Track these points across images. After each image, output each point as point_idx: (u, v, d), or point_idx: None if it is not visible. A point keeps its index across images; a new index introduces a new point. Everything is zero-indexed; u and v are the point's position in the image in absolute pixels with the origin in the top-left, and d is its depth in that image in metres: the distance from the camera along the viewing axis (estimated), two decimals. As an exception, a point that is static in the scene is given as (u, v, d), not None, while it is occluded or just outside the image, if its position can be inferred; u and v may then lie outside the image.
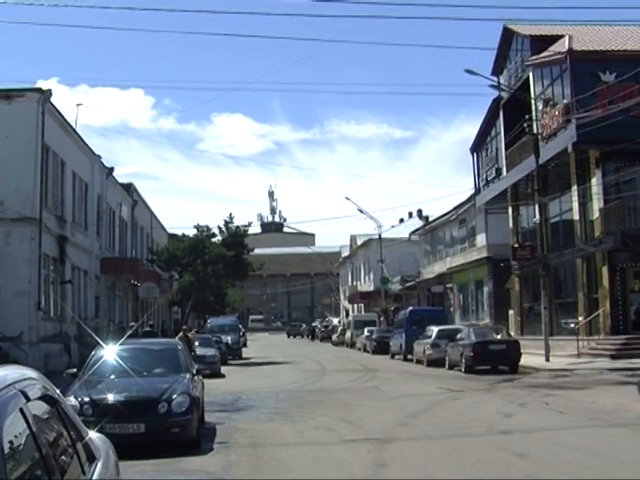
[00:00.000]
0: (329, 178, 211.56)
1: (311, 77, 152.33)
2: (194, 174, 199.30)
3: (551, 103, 30.68)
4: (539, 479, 8.44)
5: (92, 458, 3.90)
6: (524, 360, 25.67)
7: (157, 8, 40.77)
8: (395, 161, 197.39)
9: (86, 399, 10.58)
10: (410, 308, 41.04)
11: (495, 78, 35.70)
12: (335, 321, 78.86)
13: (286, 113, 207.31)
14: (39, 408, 3.21)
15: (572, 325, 30.43)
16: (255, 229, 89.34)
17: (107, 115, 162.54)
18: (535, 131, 30.19)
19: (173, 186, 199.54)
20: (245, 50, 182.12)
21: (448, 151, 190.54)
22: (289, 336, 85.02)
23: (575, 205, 30.76)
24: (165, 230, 57.97)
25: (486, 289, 43.24)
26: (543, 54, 30.85)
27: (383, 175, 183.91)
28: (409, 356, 33.69)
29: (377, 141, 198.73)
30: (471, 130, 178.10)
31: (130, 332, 23.26)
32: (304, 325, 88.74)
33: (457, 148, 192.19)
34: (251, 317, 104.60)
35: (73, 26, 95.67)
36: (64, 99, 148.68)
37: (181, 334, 26.54)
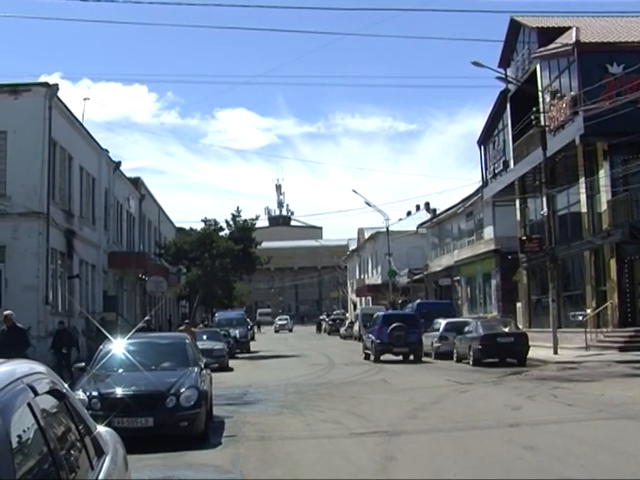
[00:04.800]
0: (334, 171, 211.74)
1: (315, 71, 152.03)
2: (200, 168, 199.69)
3: (558, 95, 30.56)
4: (547, 474, 8.41)
5: (100, 452, 3.90)
6: (532, 353, 25.62)
7: (162, 2, 40.93)
8: (400, 154, 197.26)
9: (94, 393, 10.59)
10: (417, 301, 40.90)
11: (502, 70, 35.58)
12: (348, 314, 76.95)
13: (290, 107, 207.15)
14: (47, 402, 3.21)
15: (580, 317, 30.38)
16: (262, 223, 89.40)
17: (110, 109, 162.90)
18: (542, 123, 30.09)
19: (179, 180, 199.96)
20: (248, 44, 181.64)
21: (453, 144, 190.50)
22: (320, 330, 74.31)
23: (583, 197, 30.67)
24: (173, 224, 58.04)
25: (494, 282, 43.16)
26: (550, 46, 30.71)
27: (388, 168, 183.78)
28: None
29: (382, 134, 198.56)
30: (476, 123, 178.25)
31: (139, 326, 23.31)
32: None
33: (462, 141, 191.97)
34: (259, 311, 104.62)
35: (76, 20, 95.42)
36: (67, 94, 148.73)
37: (184, 327, 26.61)
